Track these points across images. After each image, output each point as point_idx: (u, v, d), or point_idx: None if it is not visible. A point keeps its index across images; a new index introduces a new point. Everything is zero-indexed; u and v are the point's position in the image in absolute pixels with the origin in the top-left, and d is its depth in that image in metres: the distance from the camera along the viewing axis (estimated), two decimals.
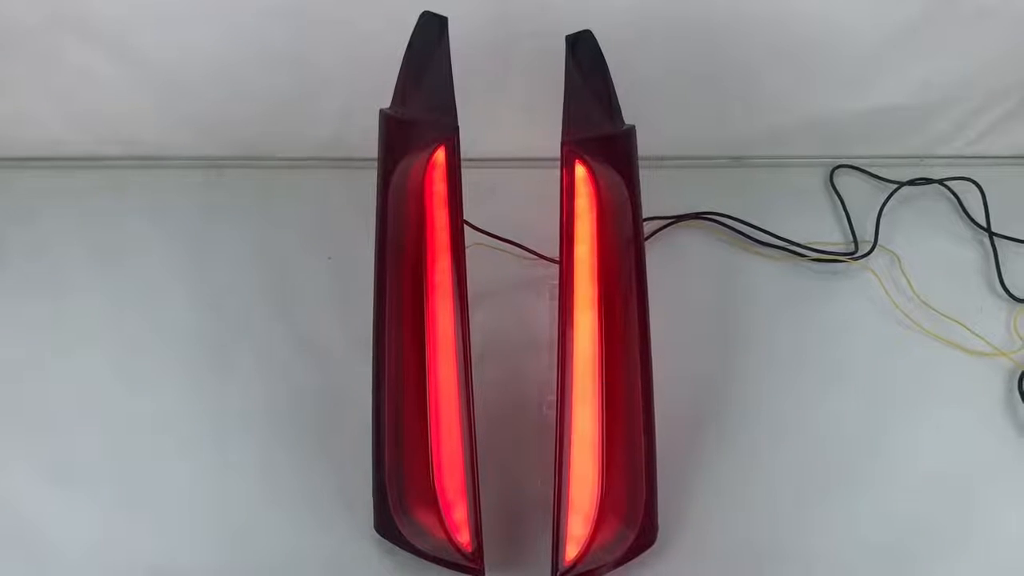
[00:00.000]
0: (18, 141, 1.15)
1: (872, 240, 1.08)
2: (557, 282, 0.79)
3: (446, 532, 0.77)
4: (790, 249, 1.07)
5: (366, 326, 0.81)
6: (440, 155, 0.80)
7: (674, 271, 1.03)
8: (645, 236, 0.83)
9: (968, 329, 0.99)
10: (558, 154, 0.77)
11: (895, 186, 1.14)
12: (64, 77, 1.09)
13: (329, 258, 1.04)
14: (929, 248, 1.09)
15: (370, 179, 0.82)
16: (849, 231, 1.10)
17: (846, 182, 1.17)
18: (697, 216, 1.11)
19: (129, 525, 0.83)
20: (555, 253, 0.80)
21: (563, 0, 1.01)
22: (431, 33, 0.85)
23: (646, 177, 0.82)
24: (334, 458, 0.87)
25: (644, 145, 0.83)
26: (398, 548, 0.79)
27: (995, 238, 1.09)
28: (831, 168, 1.18)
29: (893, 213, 1.12)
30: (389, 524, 0.79)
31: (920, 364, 0.97)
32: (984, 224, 1.11)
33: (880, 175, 1.17)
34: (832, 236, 1.10)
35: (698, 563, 0.82)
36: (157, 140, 1.15)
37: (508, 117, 1.11)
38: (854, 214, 1.12)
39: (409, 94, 0.84)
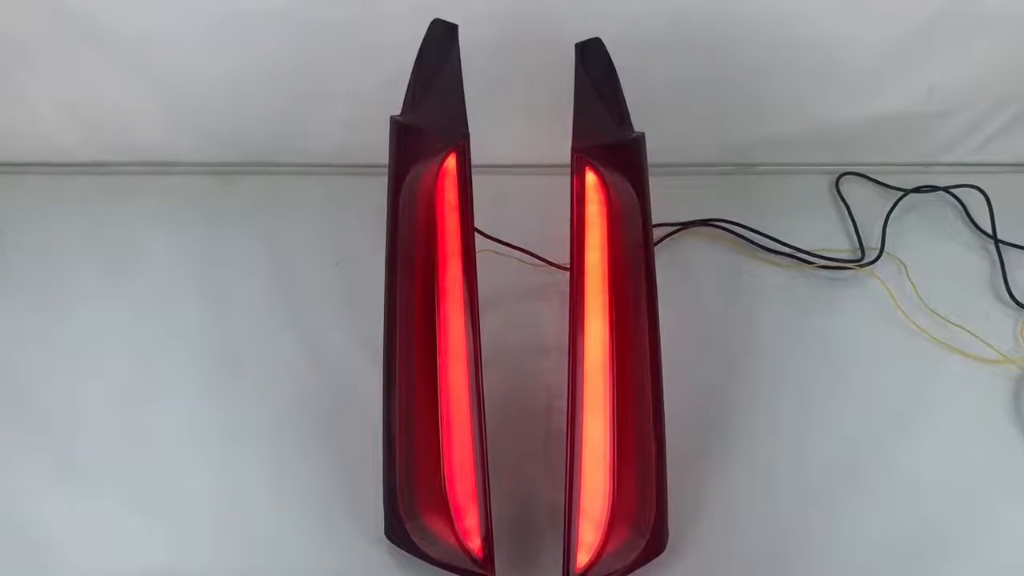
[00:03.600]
0: (27, 147, 1.15)
1: (878, 247, 1.09)
2: (567, 289, 0.79)
3: (457, 538, 0.77)
4: (797, 256, 1.08)
5: (376, 332, 0.81)
6: (451, 162, 0.80)
7: (681, 278, 1.04)
8: None
9: (974, 336, 0.99)
10: (568, 161, 0.78)
11: (901, 193, 1.15)
12: (73, 84, 1.09)
13: (336, 264, 1.05)
14: (935, 255, 1.09)
15: (379, 186, 0.83)
16: (855, 238, 1.10)
17: (852, 189, 1.17)
18: (704, 223, 1.11)
19: (137, 531, 0.83)
20: (565, 260, 0.80)
21: (572, 8, 1.02)
22: (441, 41, 0.86)
23: (654, 184, 0.82)
24: (345, 463, 0.87)
25: (653, 152, 0.83)
26: (408, 554, 0.79)
27: (1001, 245, 1.10)
28: (837, 175, 1.18)
29: (899, 220, 1.12)
30: (400, 530, 0.79)
31: (926, 371, 0.97)
32: (990, 231, 1.11)
33: (886, 182, 1.17)
34: (838, 243, 1.10)
35: (707, 570, 0.82)
36: (165, 146, 1.15)
37: (518, 124, 1.12)
38: (860, 221, 1.12)
39: (419, 101, 0.84)
